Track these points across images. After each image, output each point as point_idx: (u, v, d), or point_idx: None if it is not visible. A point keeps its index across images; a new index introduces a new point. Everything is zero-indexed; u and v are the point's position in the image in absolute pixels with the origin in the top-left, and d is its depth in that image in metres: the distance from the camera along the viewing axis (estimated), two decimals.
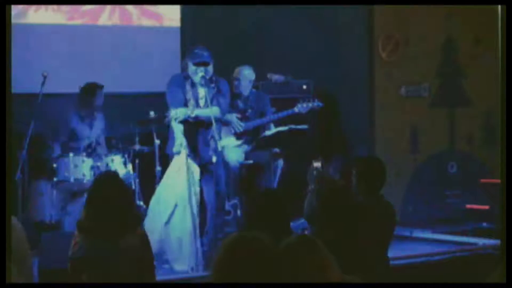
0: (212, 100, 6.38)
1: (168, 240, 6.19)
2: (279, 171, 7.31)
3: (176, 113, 6.26)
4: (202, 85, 6.34)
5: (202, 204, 6.43)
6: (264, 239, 2.76)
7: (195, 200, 6.18)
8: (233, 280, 2.65)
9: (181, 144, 6.22)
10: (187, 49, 6.79)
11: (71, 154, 7.24)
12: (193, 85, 6.40)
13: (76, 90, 7.81)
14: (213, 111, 6.28)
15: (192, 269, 6.09)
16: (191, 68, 6.36)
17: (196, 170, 6.23)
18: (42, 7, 8.00)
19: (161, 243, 6.21)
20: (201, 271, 6.08)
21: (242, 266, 2.67)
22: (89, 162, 7.20)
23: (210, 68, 6.35)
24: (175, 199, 6.17)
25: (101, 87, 7.58)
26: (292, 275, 2.86)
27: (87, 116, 7.59)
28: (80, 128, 7.56)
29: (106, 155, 7.33)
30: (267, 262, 2.71)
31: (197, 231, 6.17)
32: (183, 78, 6.46)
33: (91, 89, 7.56)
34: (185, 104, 6.38)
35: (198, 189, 6.25)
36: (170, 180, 6.23)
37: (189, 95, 6.41)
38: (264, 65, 8.11)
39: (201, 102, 6.41)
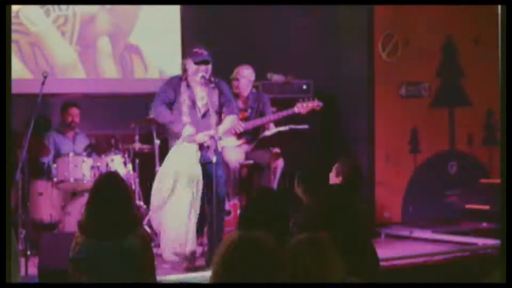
0: (219, 102, 6.39)
1: (165, 218, 6.23)
2: (279, 171, 7.31)
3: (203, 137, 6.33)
4: (202, 85, 6.36)
5: (202, 204, 6.44)
6: (264, 239, 2.76)
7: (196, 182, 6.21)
8: (234, 280, 2.65)
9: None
10: (186, 50, 6.79)
11: (71, 154, 7.24)
12: (188, 86, 6.41)
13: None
14: (232, 121, 6.41)
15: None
16: (192, 67, 6.35)
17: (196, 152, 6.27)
18: None
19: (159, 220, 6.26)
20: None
21: (242, 266, 2.67)
22: (89, 162, 7.21)
23: (210, 67, 6.37)
24: (178, 177, 6.19)
25: (75, 104, 7.68)
26: (297, 274, 2.85)
27: (68, 131, 7.68)
28: (63, 143, 7.62)
29: (106, 155, 7.34)
30: (268, 261, 2.70)
31: (195, 213, 6.19)
32: (179, 79, 6.47)
33: (66, 107, 7.68)
34: (169, 104, 6.38)
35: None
36: (173, 160, 6.26)
37: (184, 96, 6.39)
38: (264, 65, 8.11)
39: (200, 103, 6.41)
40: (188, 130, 6.26)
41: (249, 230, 2.80)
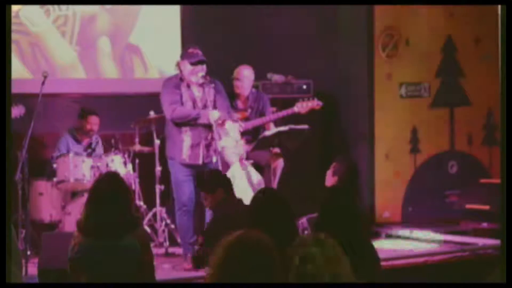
0: (214, 101, 6.43)
1: None
2: (279, 171, 7.30)
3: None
4: (201, 85, 6.40)
5: (201, 204, 6.44)
6: (262, 239, 2.76)
7: None
8: (232, 280, 2.65)
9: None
10: (181, 51, 6.82)
11: (71, 154, 7.24)
12: (188, 86, 6.45)
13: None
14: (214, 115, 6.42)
15: None
16: (188, 68, 6.40)
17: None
18: None
19: None
20: None
21: (240, 266, 2.67)
22: (89, 162, 7.20)
23: (205, 66, 6.42)
24: None
25: (95, 112, 7.62)
26: (306, 274, 2.84)
27: (83, 138, 7.64)
28: (76, 149, 7.56)
29: (106, 155, 7.34)
30: (266, 261, 2.70)
31: None
32: (179, 80, 6.49)
33: (85, 115, 7.60)
34: (182, 105, 6.43)
35: None
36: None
37: (186, 96, 6.45)
38: (264, 65, 8.11)
39: (200, 103, 6.44)
40: (215, 114, 6.32)
41: (249, 230, 2.79)
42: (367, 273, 3.74)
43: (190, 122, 6.40)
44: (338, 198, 4.13)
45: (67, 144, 7.57)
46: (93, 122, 7.60)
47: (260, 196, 4.24)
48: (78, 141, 7.63)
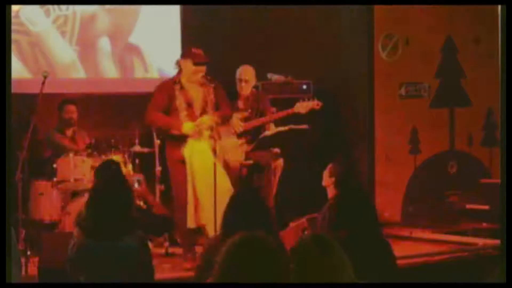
0: (215, 101, 6.43)
1: None
2: (279, 171, 7.30)
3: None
4: (199, 84, 6.41)
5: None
6: (268, 239, 2.76)
7: None
8: (235, 280, 2.65)
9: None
10: (183, 51, 6.83)
11: (71, 154, 7.24)
12: (182, 88, 6.43)
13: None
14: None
15: None
16: (191, 68, 6.39)
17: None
18: None
19: None
20: None
21: (243, 266, 2.67)
22: (89, 162, 7.20)
23: (205, 68, 6.43)
24: None
25: (72, 101, 7.64)
26: (302, 275, 2.84)
27: (67, 129, 7.66)
28: (64, 142, 7.58)
29: (106, 155, 7.33)
30: (269, 261, 2.70)
31: None
32: (172, 83, 6.49)
33: (62, 105, 7.65)
34: (167, 110, 6.41)
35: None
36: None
37: (180, 99, 6.42)
38: (264, 65, 8.11)
39: (197, 103, 6.44)
40: (188, 126, 6.29)
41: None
42: (381, 271, 3.75)
43: (162, 130, 6.48)
44: (351, 199, 4.13)
45: (55, 141, 7.59)
46: (70, 110, 7.66)
47: (237, 196, 4.22)
48: (62, 132, 7.66)
